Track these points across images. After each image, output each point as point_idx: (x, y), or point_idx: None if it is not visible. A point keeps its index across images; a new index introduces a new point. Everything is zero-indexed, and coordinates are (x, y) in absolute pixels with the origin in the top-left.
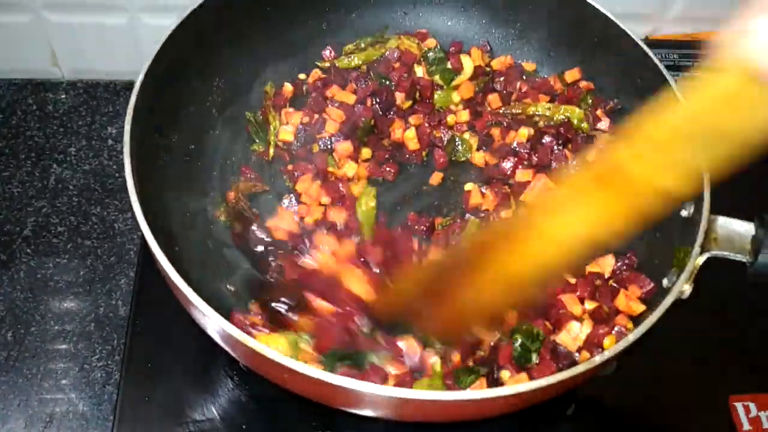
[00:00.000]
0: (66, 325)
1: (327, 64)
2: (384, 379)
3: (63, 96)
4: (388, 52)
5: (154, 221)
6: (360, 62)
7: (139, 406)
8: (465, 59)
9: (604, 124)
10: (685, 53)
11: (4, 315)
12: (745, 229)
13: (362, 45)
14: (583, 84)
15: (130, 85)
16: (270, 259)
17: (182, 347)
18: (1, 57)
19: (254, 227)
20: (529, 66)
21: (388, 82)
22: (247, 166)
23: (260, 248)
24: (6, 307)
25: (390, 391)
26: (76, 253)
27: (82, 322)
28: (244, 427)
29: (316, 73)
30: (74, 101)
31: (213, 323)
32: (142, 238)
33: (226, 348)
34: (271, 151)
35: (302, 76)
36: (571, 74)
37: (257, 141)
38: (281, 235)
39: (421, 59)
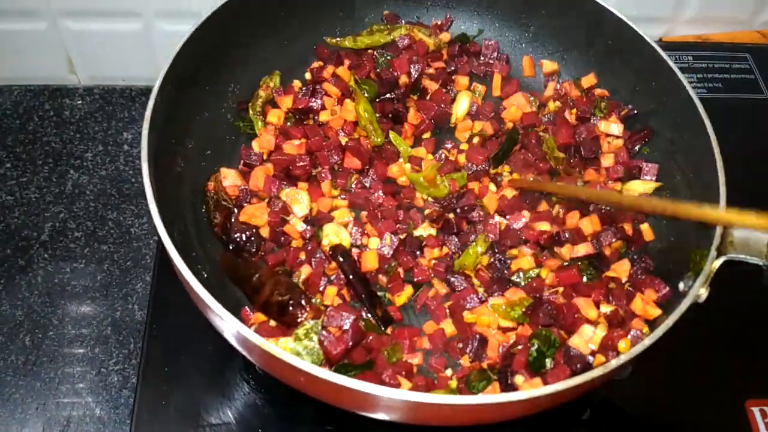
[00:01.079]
0: (83, 329)
1: (335, 40)
2: (398, 383)
3: (79, 102)
4: (398, 38)
5: (171, 226)
6: (364, 45)
7: (156, 409)
8: (460, 99)
9: (617, 128)
10: (699, 55)
11: (22, 320)
12: (761, 232)
13: (373, 30)
14: (598, 91)
15: (145, 90)
16: (249, 246)
17: (199, 351)
18: (18, 64)
19: (234, 216)
20: (549, 65)
21: (389, 68)
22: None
23: (241, 237)
24: (24, 312)
25: (405, 395)
26: (92, 257)
27: (99, 326)
28: (259, 430)
29: (318, 64)
30: (90, 107)
31: (230, 327)
32: (159, 242)
33: (243, 351)
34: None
35: (308, 76)
36: (588, 80)
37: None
38: (231, 191)
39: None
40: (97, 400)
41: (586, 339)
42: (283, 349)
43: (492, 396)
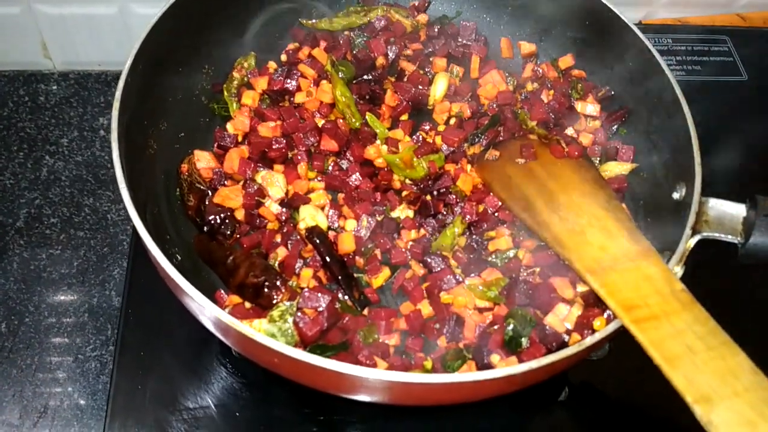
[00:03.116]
0: (60, 316)
1: (312, 21)
2: (374, 363)
3: (54, 87)
4: (375, 20)
5: (143, 209)
6: (341, 27)
7: (133, 395)
8: (438, 81)
9: (593, 109)
10: (679, 38)
11: None
12: (736, 210)
13: (349, 11)
14: (575, 72)
15: (121, 75)
16: (224, 229)
17: (175, 336)
18: None
19: (208, 199)
20: (527, 47)
21: (366, 50)
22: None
23: (215, 219)
24: (0, 299)
25: (380, 374)
26: (69, 244)
27: (76, 312)
28: (237, 414)
29: (293, 45)
30: (66, 92)
31: (203, 309)
32: (135, 227)
33: (218, 334)
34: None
35: (284, 57)
36: (564, 61)
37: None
38: (205, 174)
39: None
40: (74, 386)
41: (561, 318)
42: (258, 330)
43: (467, 374)
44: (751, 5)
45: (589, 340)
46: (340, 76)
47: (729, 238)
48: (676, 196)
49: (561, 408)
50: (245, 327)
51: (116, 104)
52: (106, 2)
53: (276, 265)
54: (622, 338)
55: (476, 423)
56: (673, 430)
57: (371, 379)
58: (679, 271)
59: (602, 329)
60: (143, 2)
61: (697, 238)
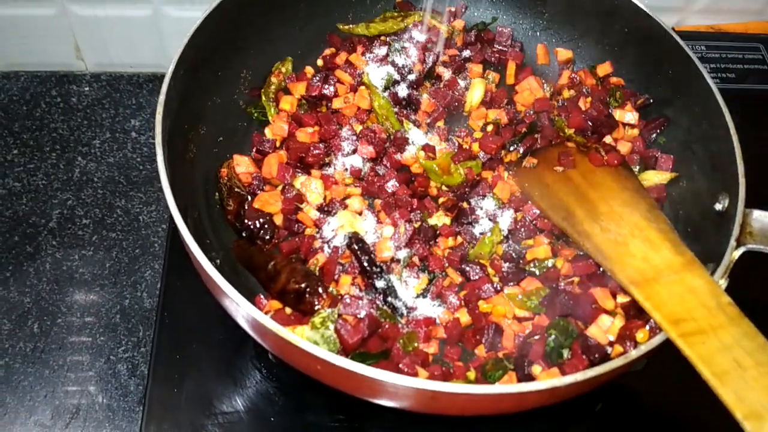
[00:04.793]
0: (91, 316)
1: (348, 26)
2: (415, 372)
3: (87, 88)
4: (411, 25)
5: (184, 212)
6: (377, 32)
7: (168, 397)
8: (474, 87)
9: (632, 117)
10: (712, 45)
11: (30, 307)
12: None
13: (386, 17)
14: (613, 80)
15: (153, 77)
16: (263, 234)
17: (210, 339)
18: (26, 50)
19: (247, 203)
20: (564, 54)
21: (403, 57)
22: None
23: (255, 224)
24: (32, 299)
25: (424, 383)
26: (101, 245)
27: (108, 314)
28: (272, 419)
29: (330, 50)
30: (98, 94)
31: (247, 314)
32: (170, 229)
33: (258, 339)
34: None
35: (320, 62)
36: (603, 68)
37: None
38: (244, 178)
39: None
40: (105, 388)
41: (604, 329)
42: (301, 337)
43: (512, 386)
44: None
45: (635, 353)
46: (378, 89)
47: None
48: (718, 206)
49: (595, 419)
50: (291, 335)
51: (159, 108)
52: (139, 5)
53: (316, 271)
54: (659, 350)
55: None
56: None
57: (415, 388)
58: (723, 283)
59: (648, 342)
60: (177, 5)
61: (741, 250)
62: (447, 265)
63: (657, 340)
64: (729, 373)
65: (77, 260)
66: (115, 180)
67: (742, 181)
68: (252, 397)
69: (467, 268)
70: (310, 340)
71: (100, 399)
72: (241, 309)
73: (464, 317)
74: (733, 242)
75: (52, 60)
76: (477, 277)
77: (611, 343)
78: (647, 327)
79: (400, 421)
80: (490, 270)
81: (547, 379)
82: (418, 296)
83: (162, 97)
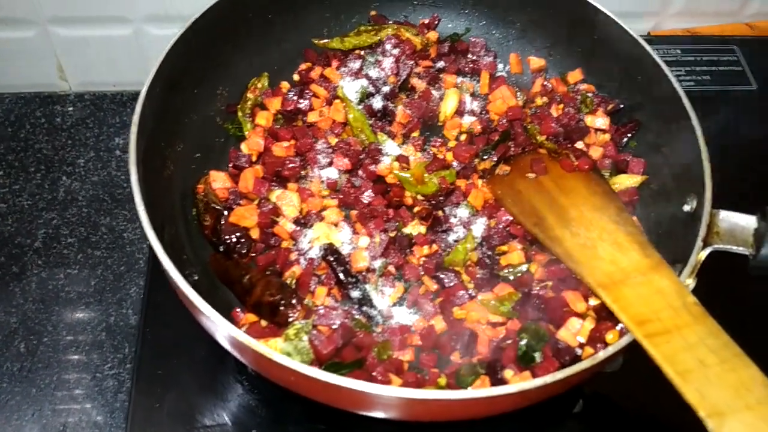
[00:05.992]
0: (78, 335)
1: (323, 41)
2: (389, 380)
3: (71, 108)
4: (386, 38)
5: (161, 229)
6: (352, 46)
7: (151, 413)
8: (448, 98)
9: (603, 122)
10: (688, 48)
11: (17, 327)
12: (747, 222)
13: (360, 30)
14: (584, 87)
15: (136, 95)
16: (239, 248)
17: (192, 354)
18: (9, 71)
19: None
20: (536, 62)
21: (377, 69)
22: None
23: (231, 238)
24: (18, 318)
25: (394, 391)
26: (86, 263)
27: (94, 331)
28: (254, 431)
29: (306, 65)
30: (82, 113)
31: (220, 328)
32: (151, 246)
33: (234, 353)
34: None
35: (297, 77)
36: (573, 75)
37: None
38: (221, 194)
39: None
40: (93, 405)
41: (574, 332)
42: (274, 349)
43: (481, 390)
44: (760, 14)
45: (602, 354)
46: (352, 102)
47: (740, 249)
48: (686, 208)
49: (575, 420)
50: (261, 346)
51: (134, 128)
52: (121, 24)
53: (292, 283)
54: (637, 350)
55: None
56: None
57: (386, 396)
58: (691, 283)
59: (615, 343)
60: (157, 23)
61: (708, 250)
62: (422, 273)
63: (624, 341)
64: (692, 372)
65: (63, 279)
66: (100, 198)
67: (708, 182)
68: (234, 410)
69: (442, 276)
70: (284, 351)
71: (88, 416)
72: (212, 322)
73: (439, 324)
74: (699, 242)
75: (35, 81)
76: (452, 284)
77: (582, 345)
78: (617, 328)
79: (382, 429)
80: (465, 277)
81: (517, 383)
82: (394, 305)
83: (136, 117)
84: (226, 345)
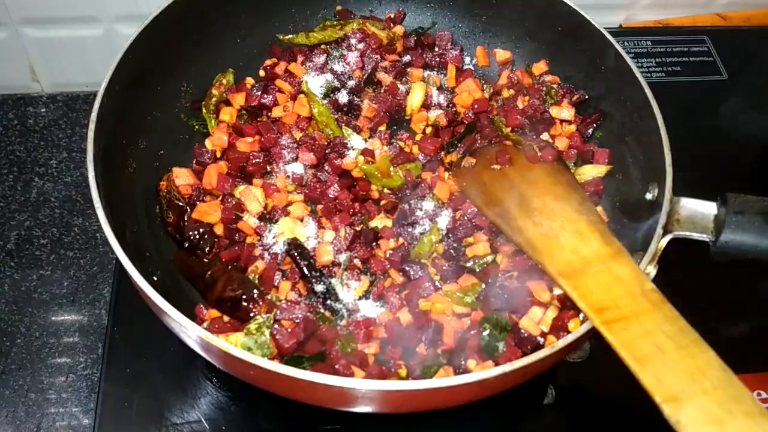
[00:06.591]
0: (51, 336)
1: (288, 36)
2: (351, 373)
3: (43, 110)
4: (351, 33)
5: (123, 227)
6: (317, 41)
7: (119, 410)
8: (415, 91)
9: (568, 113)
10: (658, 39)
11: None
12: (707, 209)
13: (326, 25)
14: (549, 78)
15: None
16: (203, 244)
17: (161, 352)
18: None
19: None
20: (502, 54)
21: (342, 64)
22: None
23: (194, 235)
24: None
25: (352, 383)
26: (59, 264)
27: (67, 332)
28: (224, 428)
29: (271, 61)
30: (54, 114)
31: (178, 324)
32: None
33: (197, 349)
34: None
35: (262, 73)
36: (538, 67)
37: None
38: (184, 190)
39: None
40: (66, 406)
41: (536, 320)
42: (234, 344)
43: (439, 380)
44: (731, 4)
45: (561, 343)
46: (317, 96)
47: (700, 236)
48: (649, 196)
49: (548, 411)
50: (221, 341)
51: (92, 125)
52: (92, 24)
53: (255, 278)
54: (603, 339)
55: (463, 428)
56: (661, 430)
57: (345, 387)
58: (652, 270)
59: (574, 331)
60: (128, 23)
61: (668, 237)
62: (388, 266)
63: (583, 329)
64: (650, 358)
65: (35, 280)
66: (73, 199)
67: (669, 170)
68: (204, 407)
69: (408, 268)
70: (244, 346)
71: (61, 417)
72: (172, 319)
73: (405, 316)
74: (659, 230)
75: (7, 83)
76: (418, 276)
77: (544, 334)
78: (580, 317)
79: (355, 423)
80: (431, 269)
81: (477, 372)
82: (360, 298)
83: (94, 114)
84: (189, 342)
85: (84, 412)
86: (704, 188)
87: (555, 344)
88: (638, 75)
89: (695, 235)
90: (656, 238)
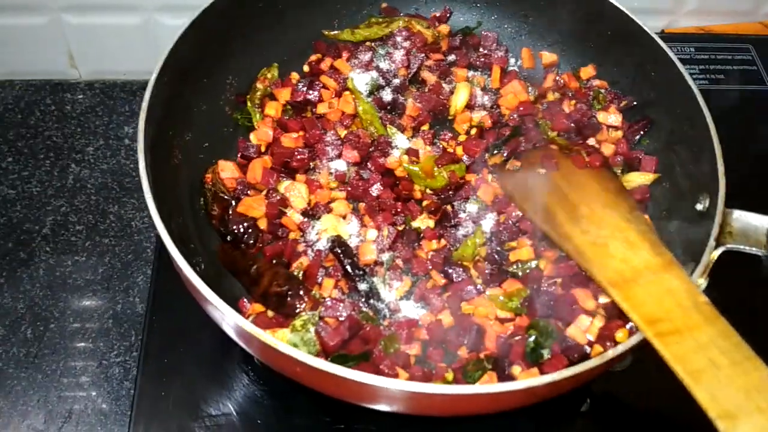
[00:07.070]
0: (85, 322)
1: (334, 33)
2: (395, 374)
3: (80, 96)
4: (396, 31)
5: (168, 218)
6: (362, 38)
7: (156, 401)
8: (459, 91)
9: (615, 119)
10: (702, 46)
11: (24, 312)
12: (760, 222)
13: (371, 22)
14: (597, 83)
15: (146, 84)
16: (247, 238)
17: (198, 343)
18: (20, 58)
19: (231, 208)
20: (549, 57)
21: (388, 62)
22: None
23: (239, 228)
24: (26, 304)
25: (400, 384)
26: (94, 251)
27: (101, 319)
28: (259, 421)
29: (316, 56)
30: (92, 101)
31: (227, 318)
32: (159, 235)
33: (241, 343)
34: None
35: (307, 68)
36: (586, 71)
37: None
38: (229, 184)
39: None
40: (98, 392)
41: (583, 329)
42: (281, 339)
43: (487, 386)
44: None
45: (612, 353)
46: (362, 94)
47: (753, 250)
48: (699, 207)
49: (583, 419)
50: (268, 336)
51: (142, 115)
52: (132, 13)
53: (299, 274)
54: (646, 349)
55: None
56: None
57: (391, 389)
58: (702, 283)
59: (625, 342)
60: (169, 13)
61: (721, 250)
62: (430, 267)
63: (634, 339)
64: (704, 372)
65: (70, 266)
66: (108, 186)
67: (722, 181)
68: (239, 399)
69: (450, 270)
70: (290, 342)
71: (93, 403)
72: (219, 312)
73: (447, 319)
74: (712, 242)
75: (46, 68)
76: (460, 279)
77: (591, 343)
78: (627, 327)
79: (387, 422)
80: (473, 272)
81: (524, 379)
82: (401, 298)
83: (144, 104)
84: (233, 335)
85: (115, 399)
86: (751, 200)
87: (605, 354)
88: (691, 83)
89: (748, 249)
90: (708, 251)
